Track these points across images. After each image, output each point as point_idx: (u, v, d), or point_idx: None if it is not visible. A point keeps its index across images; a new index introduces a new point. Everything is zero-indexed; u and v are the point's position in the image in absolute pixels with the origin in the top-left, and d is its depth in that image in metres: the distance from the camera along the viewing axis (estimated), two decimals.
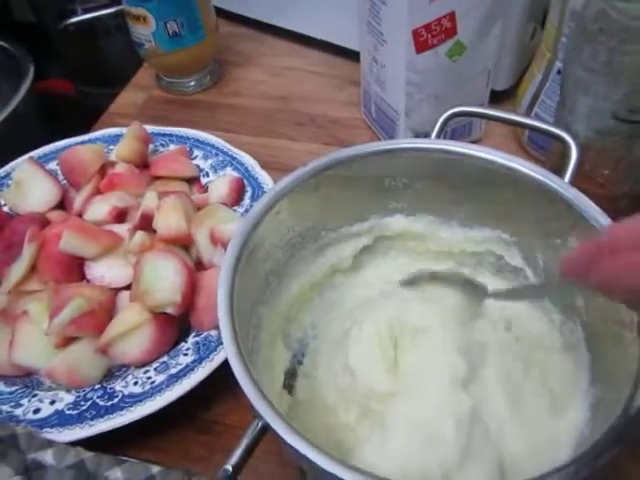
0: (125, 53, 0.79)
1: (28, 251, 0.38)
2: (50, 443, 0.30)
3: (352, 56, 0.61)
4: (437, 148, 0.34)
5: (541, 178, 0.32)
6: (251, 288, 0.31)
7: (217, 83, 0.62)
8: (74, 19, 0.71)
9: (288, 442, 0.22)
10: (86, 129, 0.59)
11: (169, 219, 0.39)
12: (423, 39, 0.41)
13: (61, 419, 0.32)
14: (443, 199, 0.37)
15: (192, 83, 0.61)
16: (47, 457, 0.30)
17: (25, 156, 0.48)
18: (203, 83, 0.61)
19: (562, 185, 0.32)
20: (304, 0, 0.61)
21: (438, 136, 0.38)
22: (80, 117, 0.67)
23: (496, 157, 0.33)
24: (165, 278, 0.35)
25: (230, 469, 0.24)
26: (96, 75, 0.82)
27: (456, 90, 0.45)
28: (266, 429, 0.26)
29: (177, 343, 0.36)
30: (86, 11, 0.73)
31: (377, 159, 0.34)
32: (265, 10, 0.65)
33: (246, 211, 0.43)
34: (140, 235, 0.38)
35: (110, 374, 0.36)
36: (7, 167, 0.47)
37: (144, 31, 0.54)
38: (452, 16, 0.40)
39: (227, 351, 0.25)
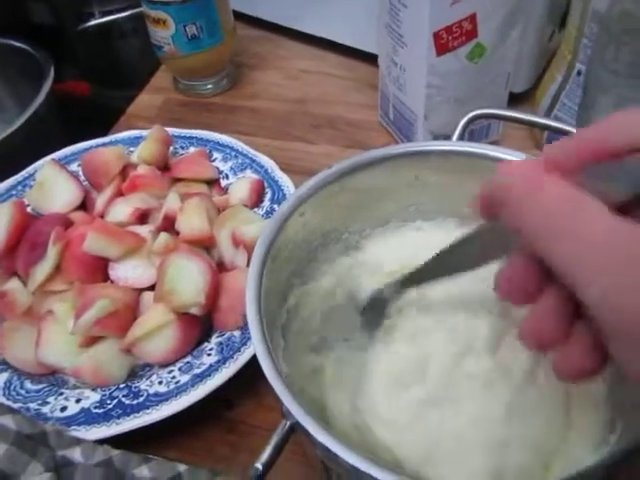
0: (140, 55, 0.80)
1: (53, 252, 0.38)
2: (78, 441, 0.30)
3: (368, 58, 0.62)
4: (461, 150, 0.34)
5: None
6: (276, 290, 0.31)
7: (234, 86, 0.63)
8: (93, 22, 0.72)
9: (319, 441, 0.22)
10: (103, 130, 0.60)
11: (192, 220, 0.39)
12: (444, 42, 0.41)
13: (88, 417, 0.32)
14: (464, 203, 0.37)
15: (209, 86, 0.61)
16: (76, 454, 0.30)
17: (47, 157, 0.48)
18: (220, 86, 0.62)
19: None
20: (320, 3, 0.61)
21: (459, 138, 0.38)
22: (96, 118, 0.68)
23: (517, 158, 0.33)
24: (189, 279, 0.36)
25: (260, 467, 0.24)
26: (111, 77, 0.83)
27: (475, 93, 0.46)
28: (294, 428, 0.26)
29: (200, 343, 0.37)
30: (104, 14, 0.74)
31: (401, 162, 0.34)
32: (281, 13, 0.65)
33: (267, 213, 0.43)
34: (164, 236, 0.38)
35: (134, 373, 0.36)
36: (30, 168, 0.48)
37: (163, 34, 0.55)
38: (473, 18, 0.41)
39: (257, 351, 0.25)
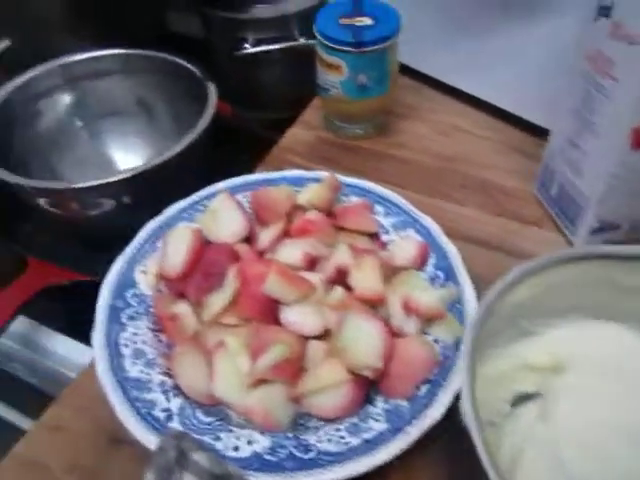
0: (279, 83, 0.82)
1: (232, 286, 0.40)
2: None
3: (519, 123, 0.62)
4: None
5: None
6: None
7: (382, 133, 0.64)
8: (247, 51, 0.74)
9: None
10: (247, 155, 0.63)
11: (368, 279, 0.40)
12: None
13: (261, 464, 0.33)
14: None
15: (360, 130, 0.62)
16: None
17: (219, 185, 0.50)
18: (369, 131, 0.63)
19: None
20: (480, 63, 0.61)
21: None
22: (233, 139, 0.70)
23: None
24: (367, 341, 0.36)
25: None
26: (248, 99, 0.86)
27: None
28: None
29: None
30: (257, 41, 0.77)
31: (600, 262, 0.34)
32: (438, 67, 0.66)
33: (430, 279, 0.43)
34: (340, 291, 0.39)
35: (294, 423, 0.37)
36: (200, 193, 0.50)
37: (334, 78, 0.56)
38: None
39: (480, 452, 0.25)
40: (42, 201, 0.58)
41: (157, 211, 0.49)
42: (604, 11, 0.41)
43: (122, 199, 0.58)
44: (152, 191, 0.57)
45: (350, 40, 0.53)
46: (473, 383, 0.28)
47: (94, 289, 0.49)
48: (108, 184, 0.55)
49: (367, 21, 0.54)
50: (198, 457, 0.30)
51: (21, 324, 0.57)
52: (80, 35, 0.71)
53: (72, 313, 0.60)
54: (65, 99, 0.64)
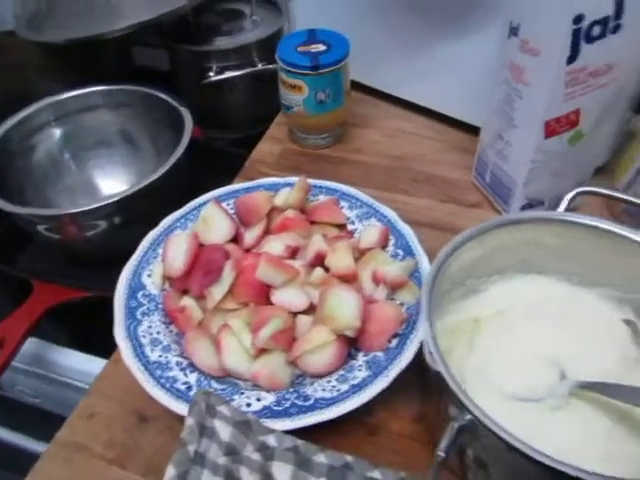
0: (242, 105, 0.90)
1: (229, 277, 0.47)
2: (272, 430, 0.39)
3: (455, 124, 0.72)
4: (577, 221, 0.43)
5: None
6: None
7: (340, 141, 0.73)
8: (211, 79, 0.82)
9: (503, 437, 0.30)
10: (221, 171, 0.70)
11: (342, 259, 0.48)
12: (552, 128, 0.50)
13: (271, 413, 0.41)
14: (571, 262, 0.45)
15: (321, 140, 0.71)
16: (271, 440, 0.38)
17: (206, 196, 0.58)
18: (328, 140, 0.72)
19: None
20: (417, 75, 0.71)
21: (566, 209, 0.47)
22: (210, 160, 0.78)
23: (617, 229, 0.42)
24: (347, 307, 0.44)
25: (443, 454, 0.32)
26: (216, 122, 0.93)
27: (569, 168, 0.55)
28: (462, 430, 0.34)
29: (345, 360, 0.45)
30: (220, 69, 0.85)
31: (527, 225, 0.43)
32: (382, 80, 0.76)
33: (392, 256, 0.52)
34: (320, 271, 0.47)
35: (293, 382, 0.45)
36: (191, 204, 0.57)
37: (296, 97, 0.65)
38: (577, 112, 0.50)
39: (441, 370, 0.33)
40: (41, 227, 0.64)
41: (145, 229, 0.56)
42: (514, 30, 0.51)
43: (113, 220, 0.65)
44: (140, 211, 0.63)
45: (308, 64, 0.62)
46: (433, 325, 0.37)
47: (95, 304, 0.55)
48: (101, 207, 0.61)
49: (321, 47, 0.63)
50: (222, 408, 0.38)
51: (30, 344, 0.61)
52: (57, 77, 0.78)
53: (76, 328, 0.66)
54: (55, 133, 0.71)
